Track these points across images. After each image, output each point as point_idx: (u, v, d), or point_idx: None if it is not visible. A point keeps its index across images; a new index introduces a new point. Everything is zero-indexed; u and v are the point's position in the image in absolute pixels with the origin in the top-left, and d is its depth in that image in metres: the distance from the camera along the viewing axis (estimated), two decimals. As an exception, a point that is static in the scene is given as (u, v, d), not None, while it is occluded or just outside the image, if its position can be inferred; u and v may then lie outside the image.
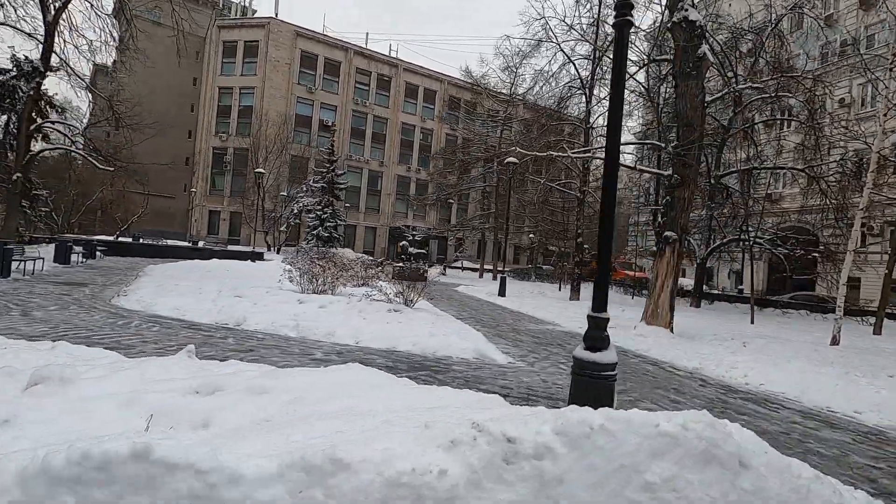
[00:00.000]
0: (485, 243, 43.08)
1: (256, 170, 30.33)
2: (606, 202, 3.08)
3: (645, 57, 12.42)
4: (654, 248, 10.90)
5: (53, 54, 17.63)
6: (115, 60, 64.09)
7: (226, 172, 47.05)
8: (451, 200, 40.49)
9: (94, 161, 18.30)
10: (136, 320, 8.03)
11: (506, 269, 41.63)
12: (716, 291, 25.42)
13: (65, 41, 18.68)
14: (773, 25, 18.57)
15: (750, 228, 17.04)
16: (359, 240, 51.69)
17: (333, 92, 50.58)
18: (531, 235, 39.98)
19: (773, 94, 16.57)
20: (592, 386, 2.78)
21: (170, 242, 34.98)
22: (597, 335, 2.92)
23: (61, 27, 18.38)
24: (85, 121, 24.85)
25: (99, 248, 23.23)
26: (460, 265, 40.49)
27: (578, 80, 18.68)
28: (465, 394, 3.30)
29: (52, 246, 17.76)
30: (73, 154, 29.84)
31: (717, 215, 19.71)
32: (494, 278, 30.81)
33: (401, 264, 26.09)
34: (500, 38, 33.43)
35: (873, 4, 27.14)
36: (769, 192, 29.62)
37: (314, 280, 12.80)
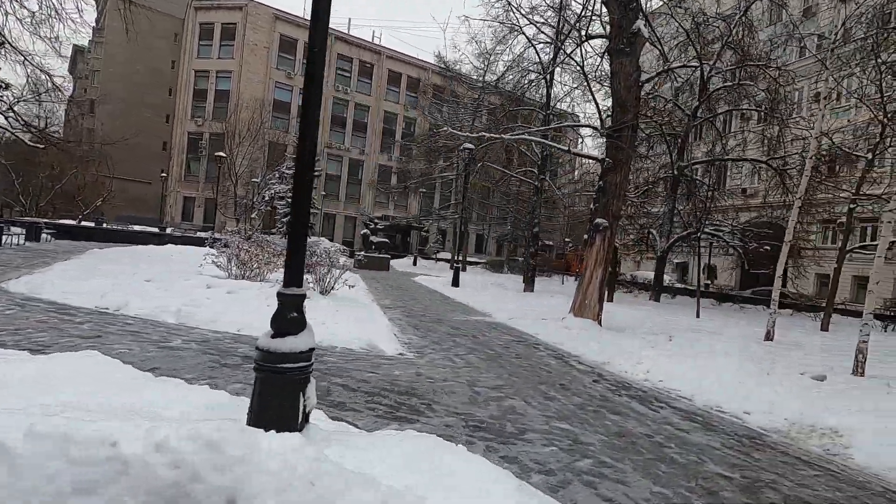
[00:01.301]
0: (461, 235, 42.42)
1: (217, 153, 29.40)
2: (303, 155, 2.48)
3: (583, 34, 11.83)
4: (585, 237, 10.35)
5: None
6: (90, 40, 62.04)
7: (201, 158, 46.03)
8: (423, 189, 39.75)
9: (22, 139, 17.42)
10: (-2, 302, 7.38)
11: (475, 260, 41.12)
12: (678, 285, 25.01)
13: (6, 13, 17.79)
14: (742, 13, 18.02)
15: (707, 222, 16.54)
16: (338, 229, 50.98)
17: (313, 78, 49.53)
18: (509, 227, 39.40)
19: (735, 83, 16.01)
20: (273, 383, 2.19)
21: (137, 228, 34.30)
22: (285, 315, 2.34)
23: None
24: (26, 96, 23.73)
25: (47, 230, 22.43)
26: (434, 256, 39.88)
27: (539, 65, 18.02)
28: (193, 391, 2.72)
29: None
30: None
31: (680, 208, 19.21)
32: (464, 269, 30.26)
33: (363, 253, 25.55)
34: (461, 19, 32.12)
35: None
36: (744, 186, 29.29)
37: (243, 266, 12.18)
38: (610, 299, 17.05)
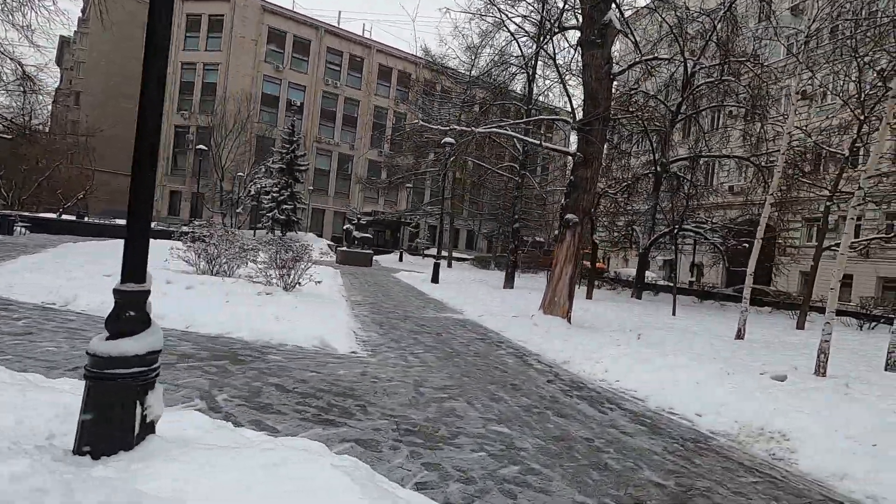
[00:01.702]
0: (443, 230, 42.09)
1: (198, 146, 28.95)
2: (144, 123, 2.24)
3: (556, 26, 11.62)
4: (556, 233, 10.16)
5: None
6: (76, 31, 61.40)
7: (188, 152, 45.50)
8: (409, 185, 39.42)
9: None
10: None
11: (464, 256, 40.84)
12: (663, 283, 24.94)
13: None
14: (726, 9, 17.86)
15: (689, 219, 16.40)
16: (327, 225, 50.63)
17: (302, 71, 49.07)
18: (497, 224, 39.16)
19: (717, 79, 15.85)
20: (102, 391, 1.95)
21: (120, 222, 33.89)
22: (121, 315, 2.10)
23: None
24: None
25: (22, 224, 22.03)
26: (422, 252, 39.64)
27: (522, 59, 17.75)
28: (61, 395, 2.49)
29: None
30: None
31: (663, 205, 19.05)
32: (449, 265, 30.07)
33: (345, 248, 25.25)
34: (442, 11, 31.59)
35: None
36: (731, 184, 29.24)
37: (212, 261, 11.93)
38: (589, 296, 16.94)
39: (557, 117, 13.71)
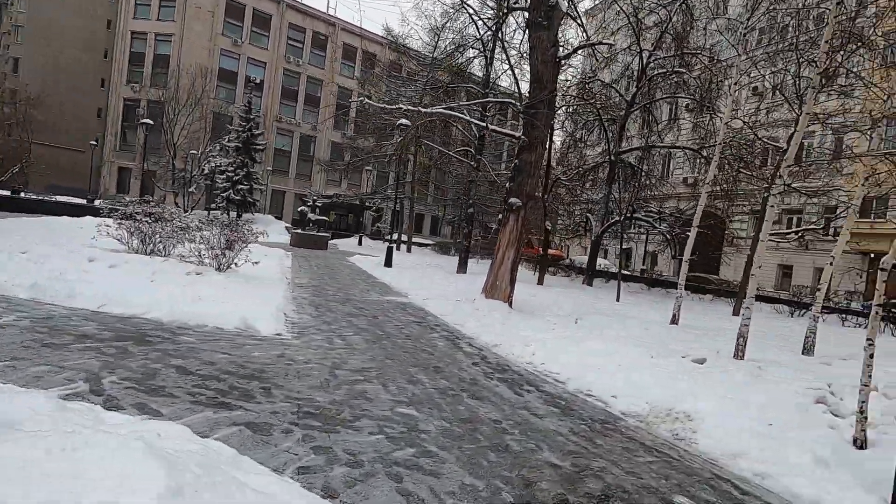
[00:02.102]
0: (402, 215, 41.64)
1: (143, 120, 27.49)
2: None
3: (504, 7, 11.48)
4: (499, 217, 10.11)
5: None
6: (11, -7, 56.75)
7: (138, 127, 43.21)
8: (368, 168, 38.72)
9: None
10: None
11: (426, 241, 40.63)
12: (613, 270, 25.55)
13: None
14: (681, 0, 18.08)
15: (640, 208, 16.73)
16: (288, 206, 49.32)
17: (262, 47, 47.23)
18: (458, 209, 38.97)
19: (670, 70, 16.07)
20: None
21: (60, 199, 32.14)
22: None
23: None
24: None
25: (-56, 198, 20.45)
26: (383, 237, 39.09)
27: (480, 43, 17.51)
28: None
29: None
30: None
31: (616, 195, 19.34)
32: (409, 250, 29.85)
33: (299, 230, 24.66)
34: None
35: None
36: (685, 176, 30.05)
37: (146, 239, 11.33)
38: (541, 282, 17.10)
39: (505, 100, 13.56)
